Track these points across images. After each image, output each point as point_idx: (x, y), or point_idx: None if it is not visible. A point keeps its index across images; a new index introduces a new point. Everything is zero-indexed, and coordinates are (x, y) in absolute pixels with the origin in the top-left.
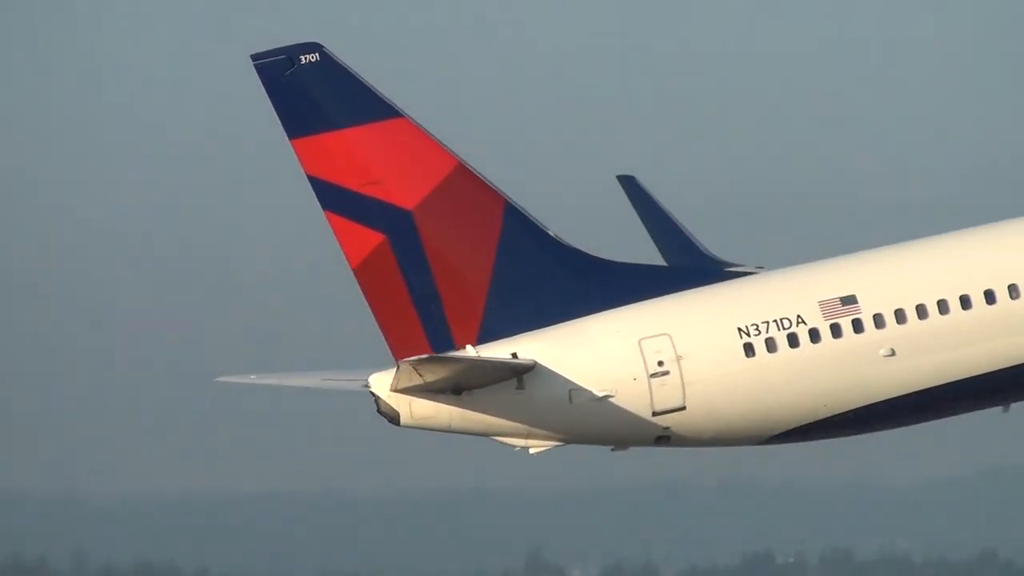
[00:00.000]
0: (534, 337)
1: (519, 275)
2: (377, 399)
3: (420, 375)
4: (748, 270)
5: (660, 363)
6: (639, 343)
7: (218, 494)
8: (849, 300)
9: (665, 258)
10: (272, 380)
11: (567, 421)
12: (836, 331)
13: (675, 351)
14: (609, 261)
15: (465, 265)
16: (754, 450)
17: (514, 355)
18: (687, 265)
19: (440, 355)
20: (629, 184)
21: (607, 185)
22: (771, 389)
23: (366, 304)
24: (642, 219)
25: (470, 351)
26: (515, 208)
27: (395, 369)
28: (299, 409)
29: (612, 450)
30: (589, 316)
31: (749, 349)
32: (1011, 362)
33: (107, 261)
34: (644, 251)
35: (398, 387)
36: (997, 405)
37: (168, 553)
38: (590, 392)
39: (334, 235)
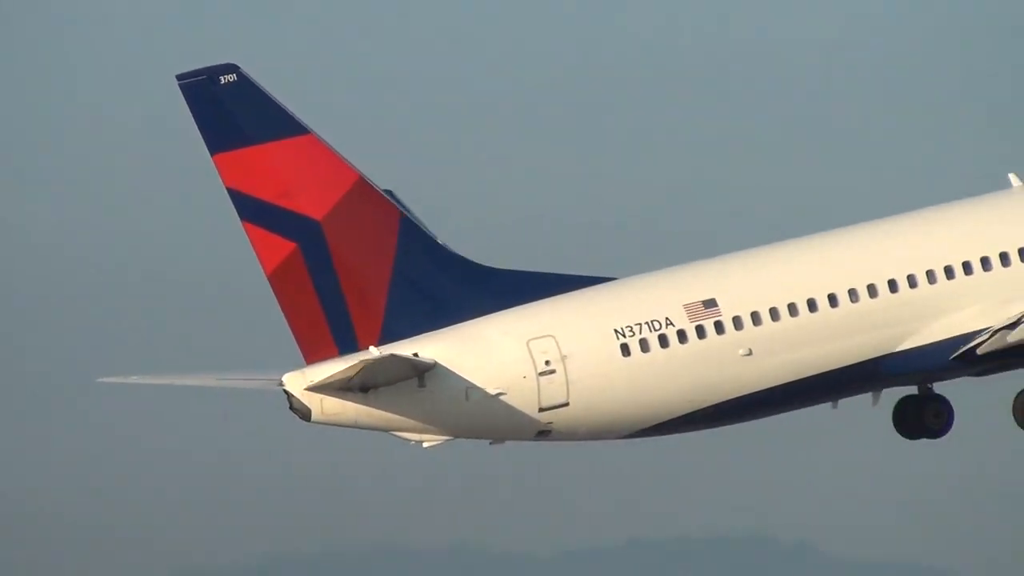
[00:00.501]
0: (431, 338)
1: (414, 280)
2: (290, 396)
3: (355, 374)
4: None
5: (547, 362)
6: (527, 344)
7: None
8: (710, 303)
9: None
10: (162, 380)
11: (462, 417)
12: (700, 332)
13: (560, 351)
14: (490, 268)
15: (367, 271)
16: None
17: (415, 355)
18: (563, 274)
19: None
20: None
21: None
22: (644, 386)
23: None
24: None
25: (373, 351)
26: (408, 219)
27: (305, 368)
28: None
29: (490, 444)
30: (479, 318)
31: (625, 349)
32: (850, 360)
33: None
34: None
35: (317, 385)
36: (837, 399)
37: None
38: (484, 390)
39: (250, 243)
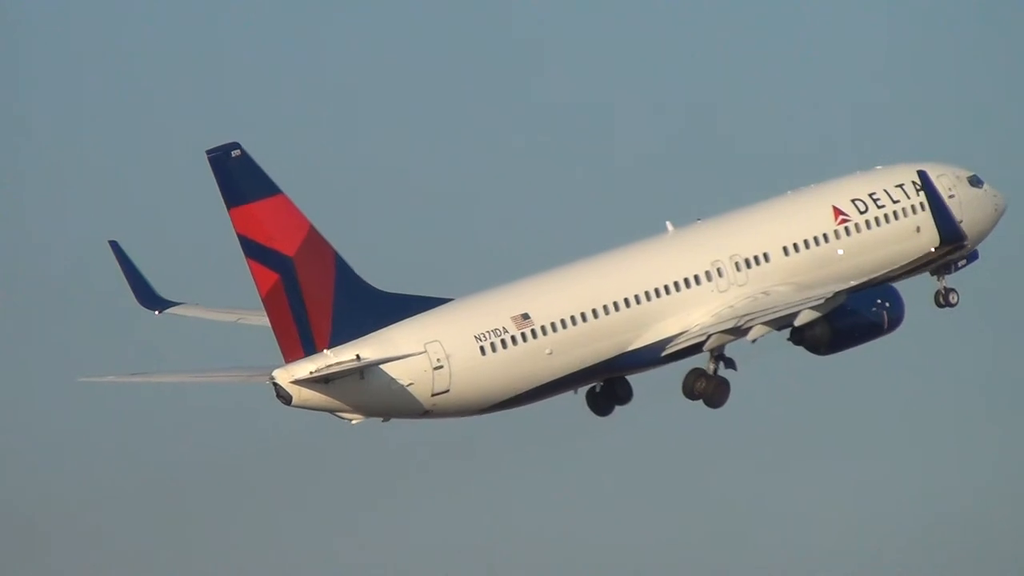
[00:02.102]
0: (362, 342)
1: (346, 300)
2: (278, 386)
3: (344, 368)
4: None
5: (439, 360)
6: (425, 346)
7: None
8: (526, 316)
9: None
10: (142, 379)
11: (383, 402)
12: (524, 338)
13: (445, 352)
14: (382, 291)
15: (320, 294)
16: None
17: (358, 356)
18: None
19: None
20: (115, 248)
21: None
22: (493, 376)
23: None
24: (126, 276)
25: (328, 353)
26: (338, 255)
27: (303, 362)
28: None
29: (383, 421)
30: (387, 328)
31: (482, 350)
32: (604, 357)
33: None
34: None
35: (301, 379)
36: (596, 382)
37: None
38: (401, 381)
39: (251, 274)
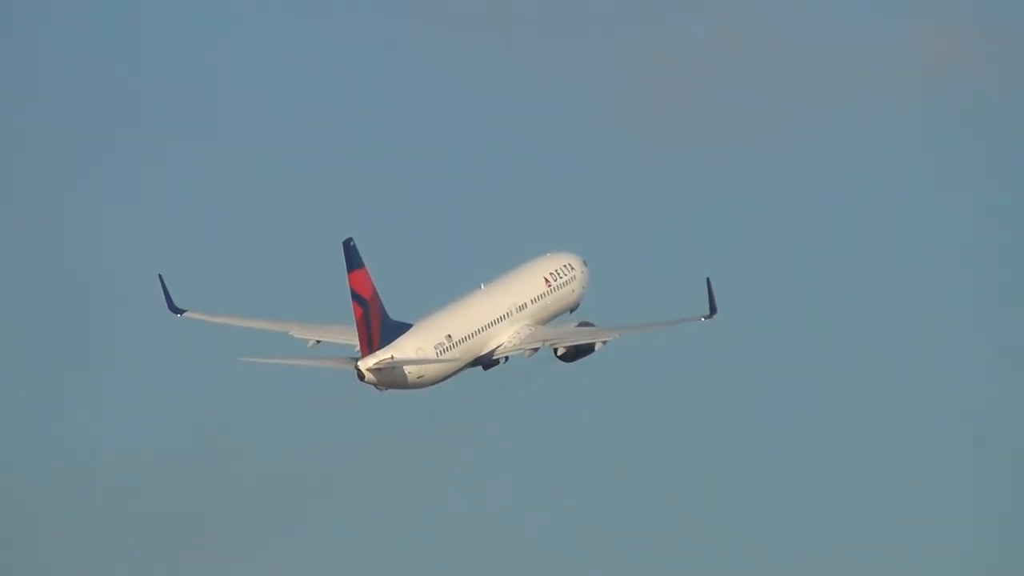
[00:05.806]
0: (391, 347)
1: (385, 325)
2: (360, 370)
3: (389, 363)
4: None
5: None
6: (416, 350)
7: None
8: (449, 336)
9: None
10: (277, 360)
11: (395, 381)
12: (451, 348)
13: (423, 355)
14: (389, 317)
15: (378, 322)
16: None
17: (392, 356)
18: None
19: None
20: (160, 278)
21: None
22: (440, 368)
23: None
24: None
25: (380, 352)
26: (380, 299)
27: (371, 357)
28: None
29: (385, 391)
30: (397, 339)
31: (438, 353)
32: (472, 357)
33: None
34: None
35: (371, 367)
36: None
37: None
38: (408, 370)
39: (352, 308)
